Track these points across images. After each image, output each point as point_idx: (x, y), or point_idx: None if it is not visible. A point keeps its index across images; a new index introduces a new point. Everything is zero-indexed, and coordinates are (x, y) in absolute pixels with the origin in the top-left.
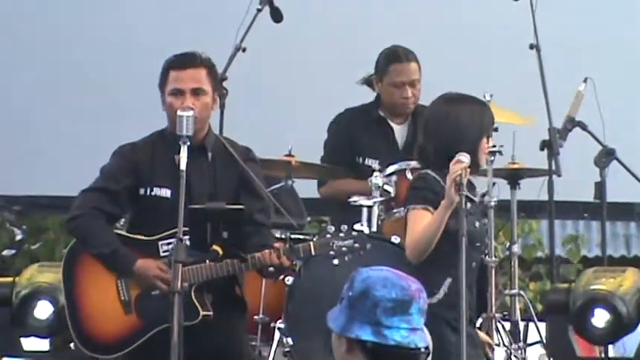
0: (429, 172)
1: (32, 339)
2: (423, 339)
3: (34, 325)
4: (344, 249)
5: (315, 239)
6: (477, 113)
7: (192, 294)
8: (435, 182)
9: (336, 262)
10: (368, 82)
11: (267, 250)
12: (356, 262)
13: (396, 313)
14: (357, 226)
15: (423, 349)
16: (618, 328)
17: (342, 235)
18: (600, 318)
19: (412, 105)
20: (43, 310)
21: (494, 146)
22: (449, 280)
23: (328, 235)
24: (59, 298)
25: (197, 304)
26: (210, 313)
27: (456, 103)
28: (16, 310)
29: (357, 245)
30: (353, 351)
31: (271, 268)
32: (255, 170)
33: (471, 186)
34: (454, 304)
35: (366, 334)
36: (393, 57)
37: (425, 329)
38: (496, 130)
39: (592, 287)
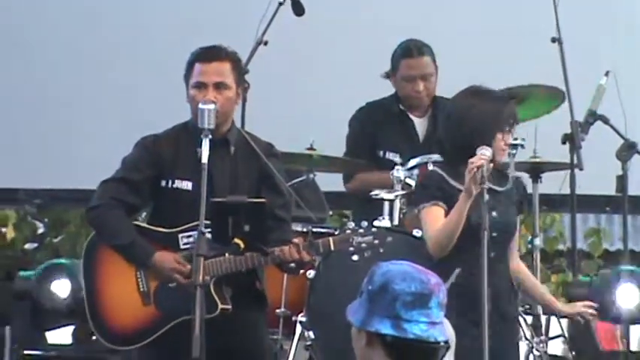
0: (435, 169)
1: (55, 332)
2: (442, 333)
3: (52, 304)
4: (363, 245)
5: (334, 235)
6: (494, 107)
7: (212, 287)
8: (440, 178)
9: (355, 257)
10: (389, 76)
11: (286, 246)
12: (376, 256)
13: (416, 306)
14: (377, 222)
15: (442, 343)
16: None
17: (361, 231)
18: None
19: (426, 98)
20: (62, 288)
21: (515, 139)
22: (457, 270)
23: (348, 231)
24: (77, 277)
25: (216, 298)
26: (229, 307)
27: (476, 96)
28: (35, 287)
29: (376, 242)
30: (372, 345)
31: (292, 264)
32: (276, 166)
33: (502, 176)
34: (463, 293)
35: (386, 328)
36: (405, 51)
37: (445, 323)
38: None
39: None
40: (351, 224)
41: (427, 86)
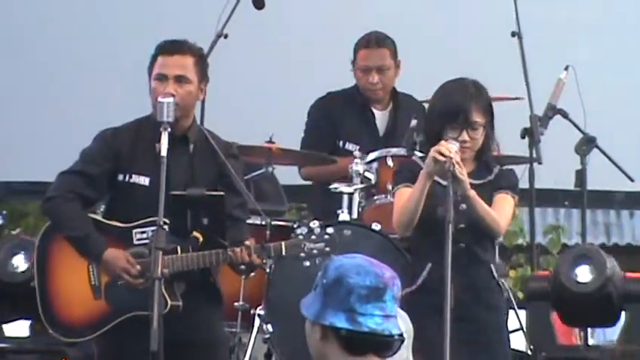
0: (413, 157)
1: (13, 325)
2: (396, 326)
3: (12, 276)
4: (315, 252)
5: (286, 240)
6: (447, 97)
7: (162, 284)
8: (415, 165)
9: (307, 263)
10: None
11: (238, 248)
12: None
13: (370, 300)
14: (329, 229)
15: (397, 336)
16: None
17: (313, 237)
18: (584, 274)
19: (380, 92)
20: (20, 261)
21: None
22: (429, 265)
23: (300, 236)
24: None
25: (165, 295)
26: (180, 303)
27: (444, 87)
28: None
29: (327, 249)
30: (327, 338)
31: (242, 266)
32: (235, 166)
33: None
34: (437, 289)
35: (340, 322)
36: (363, 42)
37: (401, 316)
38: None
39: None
40: (304, 229)
41: (382, 79)
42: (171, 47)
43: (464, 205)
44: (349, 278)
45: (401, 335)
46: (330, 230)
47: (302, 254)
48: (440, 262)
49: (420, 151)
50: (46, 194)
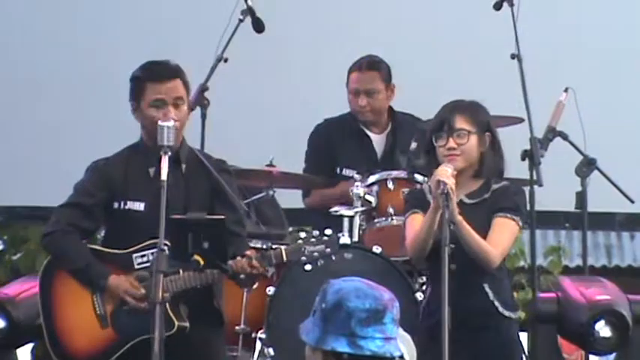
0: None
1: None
2: (397, 348)
3: None
4: (315, 254)
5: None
6: (436, 115)
7: (168, 306)
8: (419, 192)
9: (308, 267)
10: None
11: (238, 258)
12: (329, 264)
13: (371, 323)
14: (327, 231)
15: (398, 358)
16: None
17: (313, 240)
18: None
19: (369, 114)
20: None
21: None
22: (429, 289)
23: (299, 241)
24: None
25: (172, 316)
26: (187, 324)
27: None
28: None
29: (328, 250)
30: None
31: (242, 276)
32: (228, 181)
33: (482, 186)
34: (433, 314)
35: (342, 346)
36: (355, 65)
37: (404, 338)
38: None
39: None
40: (303, 234)
41: (370, 102)
42: (162, 72)
43: (452, 225)
44: (349, 302)
45: (402, 357)
46: (328, 232)
47: (303, 258)
48: (435, 285)
49: (420, 174)
50: (45, 229)
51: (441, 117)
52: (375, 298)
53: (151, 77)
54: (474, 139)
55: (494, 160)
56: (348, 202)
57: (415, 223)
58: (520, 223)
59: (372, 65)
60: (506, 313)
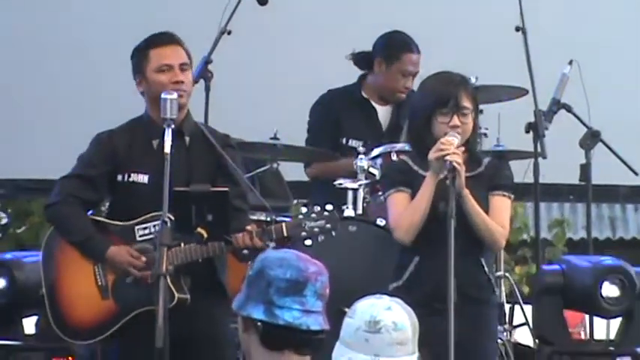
0: (395, 158)
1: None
2: (317, 322)
3: None
4: (316, 229)
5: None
6: (434, 87)
7: (169, 278)
8: (402, 164)
9: (308, 242)
10: (358, 59)
11: (240, 233)
12: (330, 240)
13: (289, 293)
14: (328, 206)
15: (316, 333)
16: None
17: (313, 215)
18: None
19: (404, 97)
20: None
21: (480, 128)
22: (416, 259)
23: (300, 216)
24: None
25: (173, 288)
26: (187, 296)
27: (431, 78)
28: None
29: (328, 226)
30: (248, 330)
31: (245, 251)
32: (232, 156)
33: (474, 160)
34: (422, 283)
35: (258, 313)
36: (407, 46)
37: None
38: (481, 112)
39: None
40: (304, 209)
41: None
42: (165, 38)
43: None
44: (270, 270)
45: (322, 332)
46: (329, 207)
47: (303, 233)
48: (428, 255)
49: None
50: (47, 201)
51: (447, 92)
52: (298, 270)
53: (154, 43)
54: (471, 118)
55: (478, 133)
56: (351, 175)
57: (400, 202)
58: (512, 199)
59: (418, 48)
60: (495, 290)
